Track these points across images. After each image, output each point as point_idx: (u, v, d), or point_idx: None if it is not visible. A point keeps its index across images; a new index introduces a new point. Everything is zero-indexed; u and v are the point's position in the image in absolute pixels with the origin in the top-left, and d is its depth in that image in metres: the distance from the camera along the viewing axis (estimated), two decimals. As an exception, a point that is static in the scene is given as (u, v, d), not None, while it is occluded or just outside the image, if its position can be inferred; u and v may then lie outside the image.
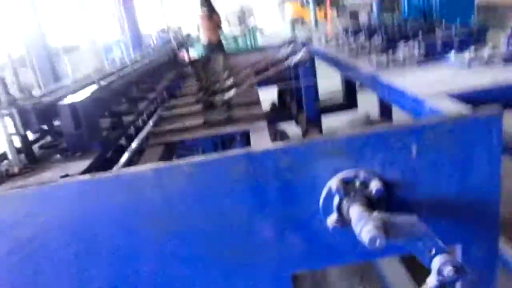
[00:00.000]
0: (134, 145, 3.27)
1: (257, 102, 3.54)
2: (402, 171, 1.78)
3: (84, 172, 2.33)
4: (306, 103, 6.19)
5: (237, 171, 1.86)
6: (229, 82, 3.88)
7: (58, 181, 1.93)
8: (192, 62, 6.73)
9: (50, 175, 2.35)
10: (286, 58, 3.97)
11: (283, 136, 6.42)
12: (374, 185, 1.82)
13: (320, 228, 1.87)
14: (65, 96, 2.82)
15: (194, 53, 13.15)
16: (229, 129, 2.99)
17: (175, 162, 1.90)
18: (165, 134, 3.14)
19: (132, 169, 1.85)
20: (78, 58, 15.80)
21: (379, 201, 1.74)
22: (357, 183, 1.85)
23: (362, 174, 1.85)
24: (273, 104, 7.46)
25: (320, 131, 6.33)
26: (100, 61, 13.20)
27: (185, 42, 7.97)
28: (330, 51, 5.10)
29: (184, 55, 7.59)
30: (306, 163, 1.86)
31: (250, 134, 2.84)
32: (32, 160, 2.63)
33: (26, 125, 2.50)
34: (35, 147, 2.88)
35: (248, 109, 3.36)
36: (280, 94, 7.61)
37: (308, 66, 5.75)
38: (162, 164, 1.85)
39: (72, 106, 2.55)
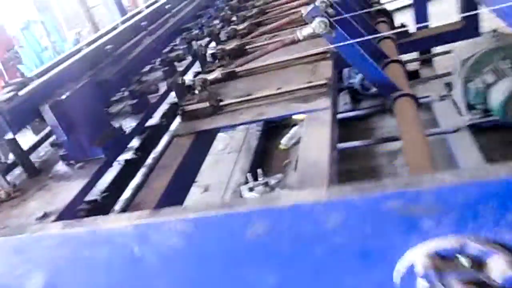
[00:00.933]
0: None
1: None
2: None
3: (75, 200, 1.78)
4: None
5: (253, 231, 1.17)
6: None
7: (26, 230, 1.53)
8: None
9: (35, 205, 1.83)
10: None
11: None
12: (499, 265, 0.98)
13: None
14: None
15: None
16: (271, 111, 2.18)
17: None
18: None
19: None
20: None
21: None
22: (463, 260, 1.02)
23: (472, 245, 1.00)
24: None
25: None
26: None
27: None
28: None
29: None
30: (366, 220, 1.08)
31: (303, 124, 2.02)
32: (32, 172, 2.15)
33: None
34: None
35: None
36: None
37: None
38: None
39: (56, 105, 1.94)
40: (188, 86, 2.61)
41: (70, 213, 1.78)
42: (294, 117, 4.72)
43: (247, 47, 3.29)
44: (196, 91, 2.52)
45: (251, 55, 2.87)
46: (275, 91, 2.34)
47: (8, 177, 2.22)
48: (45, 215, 1.72)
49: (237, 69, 2.85)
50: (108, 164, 2.14)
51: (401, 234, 1.12)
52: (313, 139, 1.90)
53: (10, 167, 2.24)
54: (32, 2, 17.63)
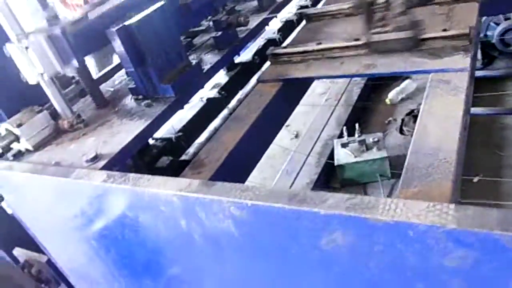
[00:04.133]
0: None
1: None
2: None
3: (130, 145, 1.53)
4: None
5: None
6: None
7: (70, 175, 1.41)
8: None
9: (91, 143, 1.63)
10: None
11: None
12: None
13: None
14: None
15: None
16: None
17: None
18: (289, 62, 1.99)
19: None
20: None
21: None
22: None
23: None
24: None
25: None
26: None
27: None
28: None
29: None
30: None
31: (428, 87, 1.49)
32: (100, 103, 1.95)
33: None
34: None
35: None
36: None
37: None
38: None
39: (124, 30, 1.65)
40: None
41: (123, 157, 1.54)
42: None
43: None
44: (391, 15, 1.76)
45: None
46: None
47: (79, 104, 2.08)
48: (96, 158, 1.49)
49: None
50: (178, 105, 1.84)
51: None
52: (438, 111, 1.38)
53: (81, 94, 2.07)
54: None
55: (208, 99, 2.51)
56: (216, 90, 2.62)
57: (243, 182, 1.76)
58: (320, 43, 1.95)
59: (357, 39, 1.86)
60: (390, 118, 4.72)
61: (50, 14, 1.72)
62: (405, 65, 1.64)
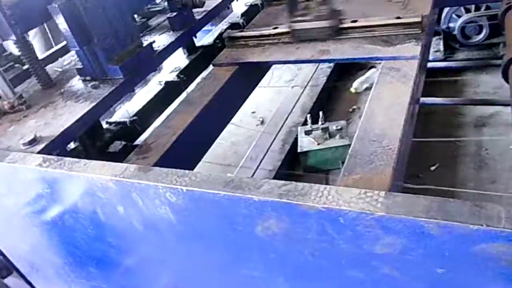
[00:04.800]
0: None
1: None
2: None
3: (71, 127, 1.46)
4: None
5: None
6: None
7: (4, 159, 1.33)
8: None
9: (32, 125, 1.54)
10: None
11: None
12: None
13: None
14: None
15: None
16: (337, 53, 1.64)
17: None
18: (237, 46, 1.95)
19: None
20: None
21: None
22: None
23: None
24: None
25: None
26: None
27: None
28: None
29: None
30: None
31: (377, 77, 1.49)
32: (45, 84, 1.85)
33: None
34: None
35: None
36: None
37: None
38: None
39: (68, 6, 1.56)
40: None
41: (63, 140, 1.47)
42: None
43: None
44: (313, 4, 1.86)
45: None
46: (348, 23, 1.77)
47: (24, 85, 1.97)
48: (34, 141, 1.42)
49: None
50: (127, 87, 1.77)
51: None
52: (386, 98, 1.38)
53: (27, 75, 1.96)
54: None
55: (166, 82, 2.44)
56: (175, 73, 2.55)
57: (193, 167, 1.72)
58: (276, 27, 1.92)
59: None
60: (354, 107, 4.77)
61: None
62: (357, 51, 1.63)
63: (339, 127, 4.05)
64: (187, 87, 2.54)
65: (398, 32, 1.63)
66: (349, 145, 3.79)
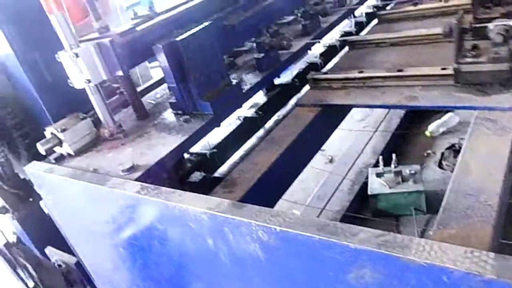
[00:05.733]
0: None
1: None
2: None
3: (166, 158, 1.56)
4: None
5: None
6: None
7: (106, 183, 1.47)
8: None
9: (129, 153, 1.67)
10: None
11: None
12: None
13: None
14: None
15: None
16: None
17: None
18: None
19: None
20: None
21: None
22: None
23: None
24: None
25: None
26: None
27: None
28: None
29: None
30: None
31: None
32: (141, 114, 2.00)
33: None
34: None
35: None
36: None
37: None
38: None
39: (170, 46, 1.70)
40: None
41: (158, 169, 1.56)
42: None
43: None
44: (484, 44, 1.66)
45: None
46: (438, 70, 1.74)
47: (121, 114, 2.14)
48: (132, 168, 1.53)
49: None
50: (215, 123, 1.86)
51: None
52: (482, 150, 1.32)
53: (123, 105, 2.14)
54: None
55: (245, 118, 2.53)
56: (253, 109, 2.64)
57: (274, 204, 1.75)
58: (361, 71, 1.94)
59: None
60: (429, 151, 4.58)
61: (102, 25, 1.80)
62: (449, 100, 1.60)
63: (413, 172, 3.91)
64: (264, 124, 2.62)
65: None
66: (423, 191, 3.69)
